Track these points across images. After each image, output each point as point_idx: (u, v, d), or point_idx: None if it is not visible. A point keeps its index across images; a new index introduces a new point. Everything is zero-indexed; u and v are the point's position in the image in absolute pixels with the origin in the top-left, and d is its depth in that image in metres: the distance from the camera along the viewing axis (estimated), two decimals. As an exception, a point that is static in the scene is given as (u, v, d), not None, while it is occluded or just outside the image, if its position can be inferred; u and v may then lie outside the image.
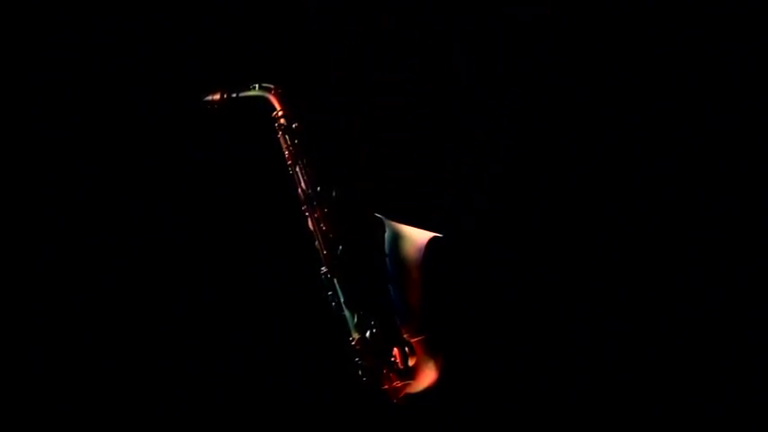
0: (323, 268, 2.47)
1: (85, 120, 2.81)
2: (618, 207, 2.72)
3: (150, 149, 2.79)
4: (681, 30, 2.68)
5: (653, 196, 2.71)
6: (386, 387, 2.44)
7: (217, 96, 2.52)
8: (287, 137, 2.49)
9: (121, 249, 2.78)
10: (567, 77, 2.74)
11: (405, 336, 2.44)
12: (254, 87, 2.51)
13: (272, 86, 2.50)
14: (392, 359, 2.44)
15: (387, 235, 2.45)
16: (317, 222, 2.47)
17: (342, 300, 2.46)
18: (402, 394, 2.44)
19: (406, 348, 2.43)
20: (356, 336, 2.44)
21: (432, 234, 2.42)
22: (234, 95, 2.52)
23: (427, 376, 2.43)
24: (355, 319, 2.45)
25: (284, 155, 2.50)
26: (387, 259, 2.44)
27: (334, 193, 2.48)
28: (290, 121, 2.49)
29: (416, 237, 2.43)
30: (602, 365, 2.68)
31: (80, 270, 2.79)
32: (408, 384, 2.44)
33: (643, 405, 2.58)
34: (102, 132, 2.81)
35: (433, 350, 2.43)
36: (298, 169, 2.48)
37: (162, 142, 2.79)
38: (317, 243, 2.47)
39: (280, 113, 2.49)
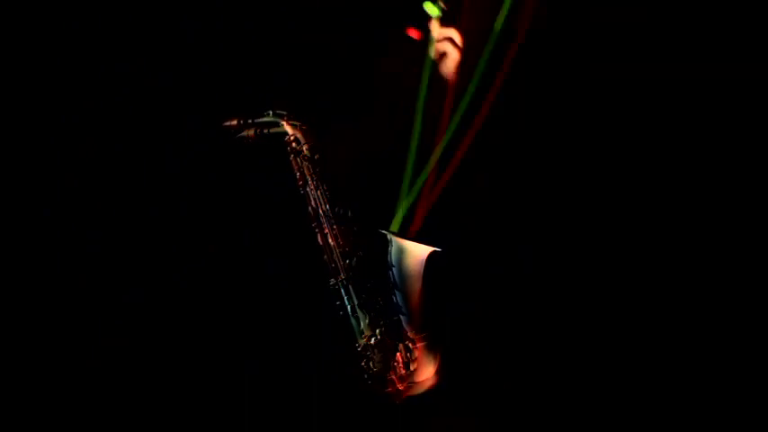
0: (331, 279, 2.56)
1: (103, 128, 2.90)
2: (614, 210, 2.77)
3: (165, 162, 2.89)
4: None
5: (650, 197, 2.77)
6: (389, 390, 2.54)
7: (234, 122, 2.59)
8: (298, 159, 2.58)
9: (141, 263, 2.87)
10: (559, 78, 2.80)
11: (407, 340, 2.55)
12: (269, 114, 2.59)
13: (284, 113, 2.59)
14: (395, 364, 2.54)
15: (391, 249, 2.57)
16: (325, 238, 2.57)
17: (349, 309, 2.56)
18: (404, 396, 2.54)
19: (408, 354, 2.54)
20: (362, 342, 2.55)
21: (431, 248, 2.54)
22: (250, 121, 2.58)
23: (427, 379, 2.54)
24: (361, 327, 2.55)
25: (296, 176, 2.58)
26: (390, 272, 2.57)
27: (341, 211, 2.57)
28: (300, 145, 2.58)
29: (417, 251, 2.56)
30: (599, 366, 2.72)
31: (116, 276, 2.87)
32: (410, 387, 2.54)
33: (643, 405, 2.61)
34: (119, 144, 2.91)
35: (432, 355, 2.55)
36: (308, 189, 2.57)
37: (178, 157, 2.89)
38: (325, 257, 2.57)
39: (291, 138, 2.58)
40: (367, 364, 2.55)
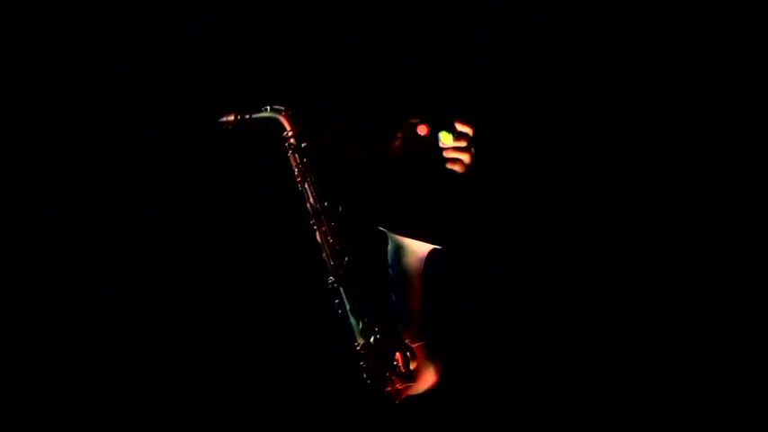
0: (330, 278, 2.53)
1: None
2: (614, 209, 2.79)
3: (165, 163, 2.89)
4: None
5: (650, 196, 2.79)
6: (389, 389, 2.51)
7: (231, 118, 2.55)
8: (296, 155, 2.54)
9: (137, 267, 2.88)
10: (559, 78, 2.81)
11: (406, 341, 2.52)
12: (266, 109, 2.55)
13: (282, 108, 2.55)
14: (395, 363, 2.50)
15: (389, 247, 2.54)
16: (324, 235, 2.53)
17: (348, 308, 2.52)
18: (404, 396, 2.51)
19: (408, 353, 2.51)
20: (361, 341, 2.51)
21: (431, 246, 2.52)
22: (247, 117, 2.55)
23: (427, 379, 2.51)
24: (360, 326, 2.51)
25: (294, 172, 2.55)
26: (389, 270, 2.54)
27: (340, 208, 2.54)
28: (299, 141, 2.54)
29: (417, 248, 2.52)
30: (601, 369, 2.73)
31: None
32: (410, 387, 2.51)
33: (642, 404, 2.62)
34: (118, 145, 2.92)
35: (432, 354, 2.52)
36: (306, 185, 2.53)
37: (177, 157, 2.90)
38: (324, 255, 2.53)
39: (290, 133, 2.54)
40: (366, 363, 2.53)
